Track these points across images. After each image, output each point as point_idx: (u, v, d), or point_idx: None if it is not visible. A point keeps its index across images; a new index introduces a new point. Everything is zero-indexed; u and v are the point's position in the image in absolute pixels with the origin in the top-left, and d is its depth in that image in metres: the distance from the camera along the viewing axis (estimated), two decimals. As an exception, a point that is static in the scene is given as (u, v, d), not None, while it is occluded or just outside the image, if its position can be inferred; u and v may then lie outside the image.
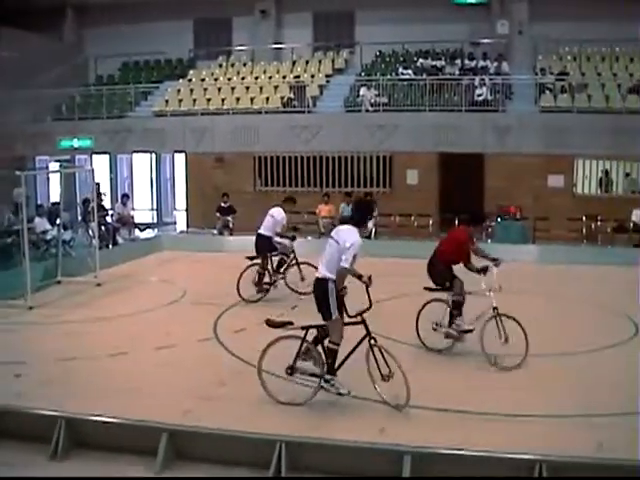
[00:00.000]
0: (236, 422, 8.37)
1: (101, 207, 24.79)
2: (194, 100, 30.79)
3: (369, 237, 24.67)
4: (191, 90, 31.64)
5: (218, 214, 26.00)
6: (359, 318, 9.25)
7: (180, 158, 31.08)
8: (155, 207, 32.78)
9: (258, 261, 16.19)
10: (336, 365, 9.39)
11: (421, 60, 31.04)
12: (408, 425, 8.76)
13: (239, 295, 15.64)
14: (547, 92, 27.80)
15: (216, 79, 32.51)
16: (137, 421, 8.24)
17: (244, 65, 33.79)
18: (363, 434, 8.16)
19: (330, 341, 9.28)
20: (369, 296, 9.24)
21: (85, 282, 17.95)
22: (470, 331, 11.53)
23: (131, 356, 11.70)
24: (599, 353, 11.96)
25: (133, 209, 27.64)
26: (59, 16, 35.76)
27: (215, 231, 25.92)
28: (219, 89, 31.30)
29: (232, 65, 34.05)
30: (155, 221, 32.01)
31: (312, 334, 9.52)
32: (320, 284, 9.32)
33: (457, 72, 29.72)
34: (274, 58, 34.15)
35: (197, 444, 7.98)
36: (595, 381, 10.38)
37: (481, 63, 30.31)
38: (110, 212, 26.51)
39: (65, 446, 8.04)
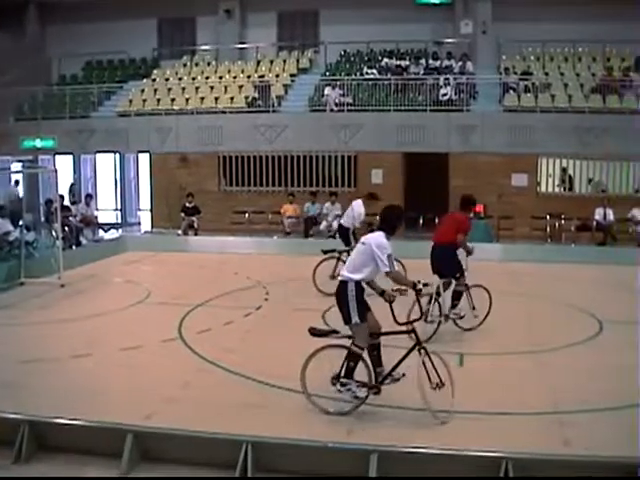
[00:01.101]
0: (202, 423, 8.30)
1: (65, 207, 24.54)
2: (158, 100, 30.63)
3: (334, 236, 24.69)
4: (155, 90, 31.47)
5: (183, 214, 25.88)
6: (409, 327, 9.03)
7: (144, 158, 30.87)
8: (119, 207, 32.55)
9: (334, 254, 16.02)
10: (374, 373, 9.05)
11: (385, 60, 31.10)
12: (375, 426, 8.74)
13: (316, 287, 15.48)
14: (511, 92, 27.97)
15: (180, 79, 32.35)
16: (102, 423, 8.15)
17: (208, 65, 33.67)
18: (330, 435, 8.14)
19: (354, 344, 8.90)
20: (420, 306, 9.19)
21: (49, 283, 17.75)
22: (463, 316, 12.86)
23: (95, 358, 11.57)
24: (564, 350, 12.02)
25: (97, 209, 27.41)
26: (21, 14, 35.31)
27: (180, 231, 25.78)
28: (183, 89, 31.14)
29: (196, 65, 33.92)
30: (119, 221, 31.79)
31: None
32: (340, 286, 9.02)
33: (421, 72, 29.79)
34: (238, 58, 34.04)
35: (162, 445, 7.91)
36: (561, 378, 10.43)
37: (445, 63, 30.42)
38: (73, 212, 26.28)
39: (29, 449, 7.91)
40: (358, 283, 8.86)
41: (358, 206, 16.33)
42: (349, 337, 8.94)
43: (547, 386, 10.07)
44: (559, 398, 9.52)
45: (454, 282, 12.77)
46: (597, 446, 7.80)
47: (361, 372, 8.94)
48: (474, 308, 12.98)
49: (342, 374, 8.91)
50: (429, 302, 12.15)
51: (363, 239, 9.10)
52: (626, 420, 8.64)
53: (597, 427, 8.59)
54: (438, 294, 12.36)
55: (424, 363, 8.78)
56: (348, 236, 16.21)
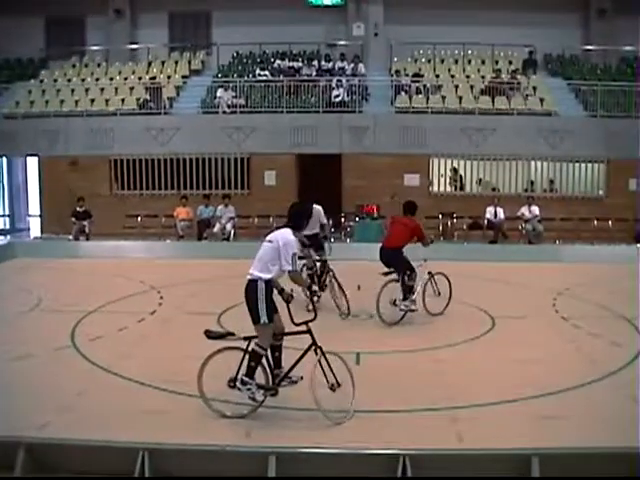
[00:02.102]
0: (97, 431, 8.12)
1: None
2: (46, 101, 29.92)
3: (228, 239, 24.63)
4: (43, 91, 30.75)
5: (74, 219, 25.36)
6: (305, 327, 8.92)
7: (33, 162, 30.15)
8: (7, 213, 31.74)
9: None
10: (271, 373, 9.02)
11: (278, 61, 31.12)
12: (274, 427, 8.70)
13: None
14: (403, 93, 28.32)
15: (69, 80, 31.65)
16: (-11, 436, 7.92)
17: (98, 66, 33.06)
18: (229, 439, 8.06)
19: (257, 344, 8.82)
20: (314, 307, 9.35)
21: None
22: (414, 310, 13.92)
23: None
24: (460, 347, 12.21)
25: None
26: None
27: (71, 236, 25.28)
28: (73, 90, 30.50)
29: (86, 65, 33.25)
30: (8, 227, 30.98)
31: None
32: (250, 285, 8.83)
33: (314, 73, 29.93)
34: (129, 59, 33.53)
35: (57, 456, 7.70)
36: (456, 375, 10.57)
37: (338, 64, 30.60)
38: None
39: None
40: (268, 282, 8.78)
41: (320, 211, 15.36)
42: (245, 339, 8.87)
43: (442, 383, 10.18)
44: (453, 394, 9.62)
45: (406, 277, 13.62)
46: (489, 440, 7.95)
47: (258, 374, 8.88)
48: (439, 293, 14.55)
49: (243, 373, 8.81)
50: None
51: (270, 237, 8.99)
52: (521, 412, 8.85)
53: (490, 421, 8.73)
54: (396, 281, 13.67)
55: (320, 363, 8.78)
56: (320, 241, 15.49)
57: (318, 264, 15.00)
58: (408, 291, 13.69)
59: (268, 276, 8.77)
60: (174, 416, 9.06)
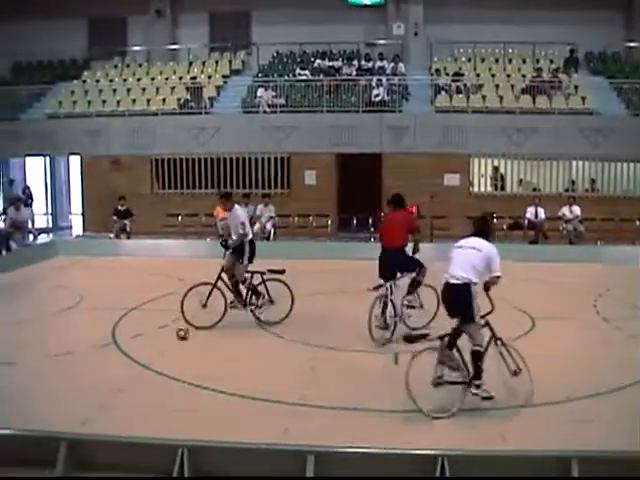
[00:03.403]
0: (136, 428, 8.20)
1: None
2: (89, 102, 30.19)
3: (267, 238, 24.68)
4: (86, 91, 31.02)
5: (115, 217, 25.57)
6: (483, 321, 9.30)
7: (75, 161, 30.47)
8: (50, 211, 32.07)
9: None
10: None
11: (318, 61, 31.13)
12: (311, 425, 8.72)
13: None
14: (443, 93, 28.21)
15: (111, 80, 31.92)
16: (34, 432, 7.98)
17: (140, 66, 33.31)
18: (266, 436, 8.08)
19: (475, 344, 9.15)
20: (491, 300, 9.33)
21: (-23, 289, 17.46)
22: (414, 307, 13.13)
23: (26, 365, 11.35)
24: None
25: (33, 214, 26.84)
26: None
27: (112, 235, 25.47)
28: (114, 90, 30.77)
29: (128, 66, 33.53)
30: (50, 226, 31.30)
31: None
32: (460, 287, 9.22)
33: (354, 73, 29.91)
34: (170, 59, 33.72)
35: (97, 452, 7.76)
36: (495, 375, 10.49)
37: (378, 64, 30.53)
38: (3, 217, 25.80)
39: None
40: (475, 285, 9.23)
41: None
42: (440, 338, 9.26)
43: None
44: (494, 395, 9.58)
45: (415, 274, 12.95)
46: (531, 441, 7.89)
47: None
48: (422, 306, 13.19)
49: (472, 375, 9.14)
50: (383, 307, 12.36)
51: (470, 245, 9.46)
52: (561, 414, 8.79)
53: (528, 422, 8.68)
54: (386, 296, 12.53)
55: (502, 354, 9.34)
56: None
57: None
58: (416, 287, 13.03)
59: (477, 280, 9.24)
60: (213, 414, 9.13)
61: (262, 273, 13.88)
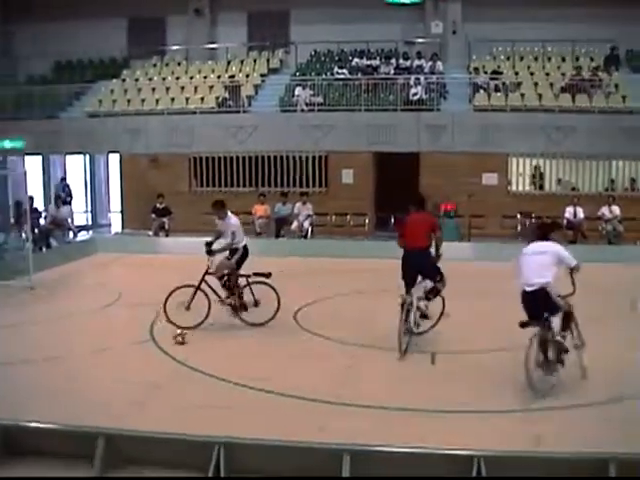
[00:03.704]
0: (173, 424, 8.27)
1: (34, 210, 24.34)
2: (128, 100, 30.46)
3: (305, 237, 24.73)
4: (125, 90, 31.29)
5: (153, 215, 25.75)
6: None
7: (114, 159, 30.74)
8: (90, 209, 32.34)
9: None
10: None
11: (356, 59, 31.13)
12: (347, 424, 8.73)
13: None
14: (481, 91, 28.07)
15: (150, 79, 32.18)
16: (73, 426, 8.08)
17: (178, 65, 33.51)
18: (302, 434, 8.11)
19: (561, 334, 9.96)
20: (573, 283, 9.98)
21: (18, 286, 17.62)
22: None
23: (65, 360, 11.50)
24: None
25: (72, 212, 27.11)
26: (-13, 13, 35.14)
27: (151, 232, 25.65)
28: (153, 89, 31.01)
29: (166, 65, 33.75)
30: (90, 223, 31.57)
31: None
32: (540, 293, 9.78)
33: (392, 71, 29.85)
34: (209, 58, 33.89)
35: (134, 448, 7.84)
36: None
37: (416, 62, 30.45)
38: (44, 214, 26.08)
39: (0, 454, 7.86)
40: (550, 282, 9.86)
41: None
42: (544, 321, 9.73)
43: (517, 384, 10.07)
44: (528, 396, 9.53)
45: (432, 282, 12.61)
46: (565, 443, 7.85)
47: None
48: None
49: (555, 360, 9.78)
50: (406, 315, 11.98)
51: (538, 249, 10.15)
52: (597, 416, 8.73)
53: (565, 424, 8.63)
54: (411, 304, 12.15)
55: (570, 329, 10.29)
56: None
57: None
58: (435, 295, 12.69)
59: (552, 278, 9.91)
60: (248, 411, 9.17)
61: (247, 276, 13.84)
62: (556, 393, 9.55)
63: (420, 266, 12.57)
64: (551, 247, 10.05)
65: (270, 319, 13.70)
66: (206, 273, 13.80)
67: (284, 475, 7.45)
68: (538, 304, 9.78)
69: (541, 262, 9.89)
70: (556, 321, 9.98)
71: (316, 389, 9.70)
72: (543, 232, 10.49)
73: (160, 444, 7.81)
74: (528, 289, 9.86)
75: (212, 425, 8.44)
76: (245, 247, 14.04)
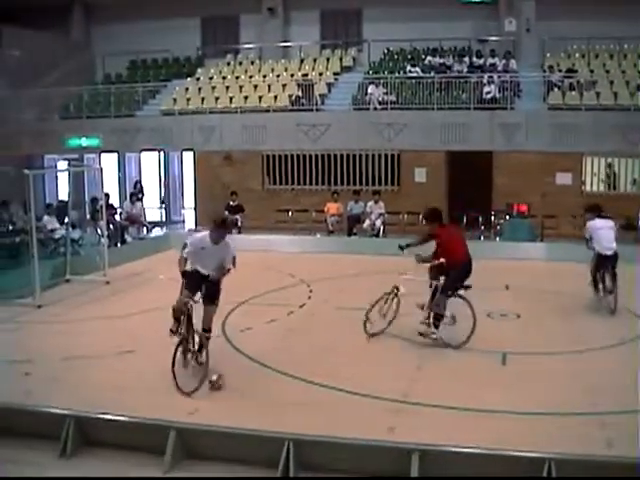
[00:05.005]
0: (244, 420, 8.36)
1: (110, 206, 24.77)
2: (202, 99, 30.79)
3: (377, 235, 24.73)
4: (199, 89, 31.64)
5: (226, 212, 25.94)
6: None
7: (188, 156, 31.13)
8: (164, 205, 32.77)
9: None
10: None
11: (429, 58, 31.00)
12: (416, 423, 8.75)
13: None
14: (555, 89, 27.73)
15: (224, 77, 32.47)
16: (144, 419, 8.24)
17: (252, 63, 33.76)
18: (372, 432, 8.14)
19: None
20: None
21: (93, 281, 17.96)
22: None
23: (138, 354, 11.71)
24: (603, 352, 11.94)
25: (144, 208, 27.49)
26: (66, 14, 35.90)
27: (223, 229, 25.81)
28: (227, 87, 31.26)
29: (240, 63, 34.03)
30: (164, 219, 31.99)
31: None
32: (616, 254, 14.68)
33: (465, 70, 29.68)
34: (282, 56, 34.12)
35: (205, 442, 7.97)
36: (600, 379, 10.31)
37: (489, 61, 30.24)
38: (119, 211, 26.50)
39: (74, 444, 8.04)
40: None
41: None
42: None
43: (587, 386, 9.98)
44: (598, 399, 9.43)
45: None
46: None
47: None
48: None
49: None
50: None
51: (610, 223, 13.71)
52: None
53: (635, 428, 8.53)
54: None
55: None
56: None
57: None
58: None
59: None
60: (318, 408, 9.24)
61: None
62: (625, 395, 9.44)
63: (468, 275, 12.28)
64: (611, 222, 14.79)
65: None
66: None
67: (353, 473, 7.50)
68: (614, 264, 14.55)
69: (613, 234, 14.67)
70: None
71: (384, 388, 9.71)
72: (600, 210, 15.10)
73: (230, 439, 7.91)
74: (609, 253, 14.42)
75: (282, 421, 8.53)
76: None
